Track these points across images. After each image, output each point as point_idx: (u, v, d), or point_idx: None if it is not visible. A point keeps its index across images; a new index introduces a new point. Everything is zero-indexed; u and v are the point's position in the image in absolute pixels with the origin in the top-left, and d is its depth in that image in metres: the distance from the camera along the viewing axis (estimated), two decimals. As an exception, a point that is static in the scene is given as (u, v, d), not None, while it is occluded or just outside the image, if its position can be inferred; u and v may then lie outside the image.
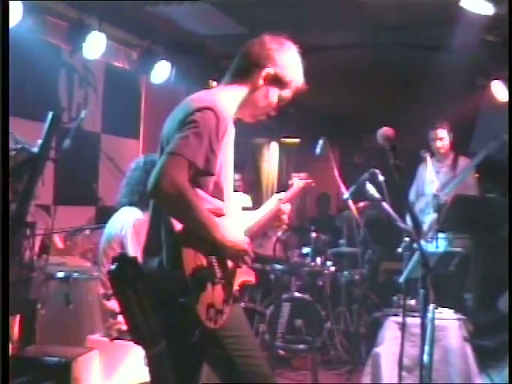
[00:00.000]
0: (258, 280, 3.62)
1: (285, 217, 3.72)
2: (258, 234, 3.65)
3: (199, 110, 3.05)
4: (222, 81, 3.42)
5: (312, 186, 4.05)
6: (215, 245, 3.10)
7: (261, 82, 3.33)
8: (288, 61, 3.38)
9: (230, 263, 3.23)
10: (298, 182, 3.99)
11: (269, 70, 3.32)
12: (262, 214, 3.71)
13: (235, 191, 3.49)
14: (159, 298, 2.75)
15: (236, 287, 3.32)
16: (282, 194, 3.80)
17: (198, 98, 3.20)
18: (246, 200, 3.79)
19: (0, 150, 2.85)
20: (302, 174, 4.07)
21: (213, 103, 3.09)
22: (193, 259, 3.00)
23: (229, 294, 3.21)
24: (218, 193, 3.19)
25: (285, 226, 3.86)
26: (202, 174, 3.05)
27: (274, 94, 3.39)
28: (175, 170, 2.91)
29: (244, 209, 3.73)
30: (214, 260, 3.11)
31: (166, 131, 3.21)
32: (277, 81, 3.36)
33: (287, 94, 3.45)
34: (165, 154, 2.97)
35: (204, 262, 3.05)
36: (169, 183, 2.88)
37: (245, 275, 3.40)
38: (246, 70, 3.36)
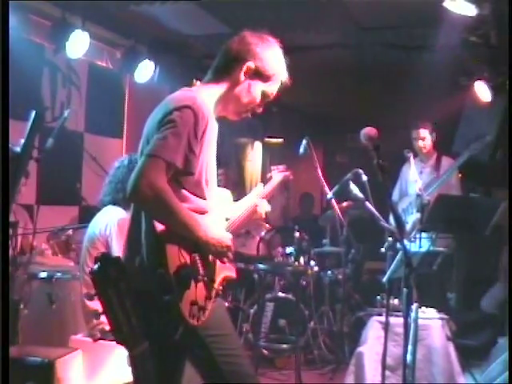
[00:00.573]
0: (240, 278, 3.62)
1: (261, 211, 3.73)
2: (239, 230, 3.64)
3: (177, 109, 3.05)
4: (204, 79, 3.41)
5: (290, 179, 4.05)
6: (198, 242, 3.09)
7: (242, 76, 3.32)
8: (269, 54, 3.37)
9: (212, 259, 3.23)
10: (276, 175, 3.99)
11: (249, 64, 3.31)
12: (243, 208, 3.71)
13: (218, 186, 3.50)
14: (140, 296, 2.75)
15: (218, 283, 3.31)
16: (260, 188, 3.81)
17: (177, 97, 3.20)
18: (227, 196, 3.79)
19: (0, 150, 2.84)
20: (281, 167, 4.07)
21: (191, 101, 3.08)
22: (176, 257, 3.00)
23: (211, 291, 3.21)
24: (200, 191, 3.19)
25: (264, 223, 3.86)
26: (182, 173, 3.06)
27: (257, 89, 3.37)
28: (153, 172, 2.92)
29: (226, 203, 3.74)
30: (197, 257, 3.11)
31: (147, 131, 3.20)
32: (259, 75, 3.34)
33: (271, 88, 3.42)
34: (143, 156, 2.97)
35: (187, 259, 3.05)
36: (147, 186, 2.89)
37: (226, 271, 3.40)
38: (227, 66, 3.35)
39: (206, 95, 3.24)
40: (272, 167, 4.09)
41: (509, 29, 6.30)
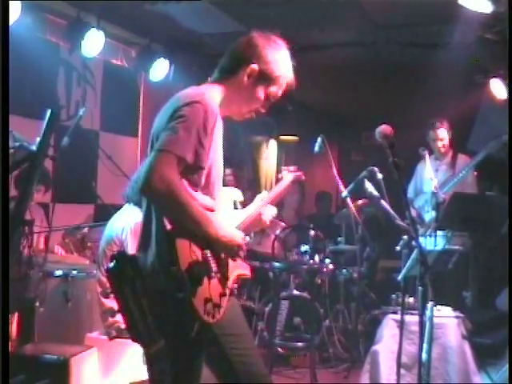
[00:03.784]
0: (255, 276, 3.62)
1: (265, 219, 3.72)
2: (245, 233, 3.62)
3: (187, 104, 3.05)
4: (211, 78, 3.41)
5: (302, 179, 4.04)
6: (209, 239, 3.10)
7: (246, 78, 3.31)
8: (275, 57, 3.35)
9: (224, 256, 3.23)
10: (287, 175, 3.98)
11: (254, 66, 3.30)
12: (246, 214, 3.70)
13: (225, 185, 3.49)
14: (153, 294, 2.75)
15: (232, 281, 3.31)
16: (265, 194, 3.80)
17: (186, 93, 3.20)
18: (237, 194, 3.78)
19: (0, 151, 2.85)
20: (292, 167, 4.06)
21: (200, 96, 3.09)
22: (188, 254, 3.00)
23: (225, 288, 3.21)
24: (207, 188, 3.18)
25: (279, 222, 3.85)
26: (191, 168, 3.06)
27: (261, 91, 3.36)
28: (165, 166, 2.92)
29: (235, 203, 3.73)
30: (209, 254, 3.12)
31: (156, 127, 3.20)
32: (263, 77, 3.33)
33: (275, 91, 3.41)
34: (154, 151, 2.98)
35: (199, 256, 3.05)
36: (159, 180, 2.89)
37: (240, 269, 3.40)
38: (232, 67, 3.35)
39: (213, 93, 3.25)
40: (283, 168, 4.07)
41: (509, 29, 6.27)
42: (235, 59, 3.36)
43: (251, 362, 3.32)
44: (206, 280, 3.05)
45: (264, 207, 3.74)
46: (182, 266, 2.95)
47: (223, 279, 3.21)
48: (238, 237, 3.24)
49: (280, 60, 3.38)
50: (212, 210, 3.19)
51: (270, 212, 3.78)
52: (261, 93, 3.37)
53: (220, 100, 3.30)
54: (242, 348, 3.29)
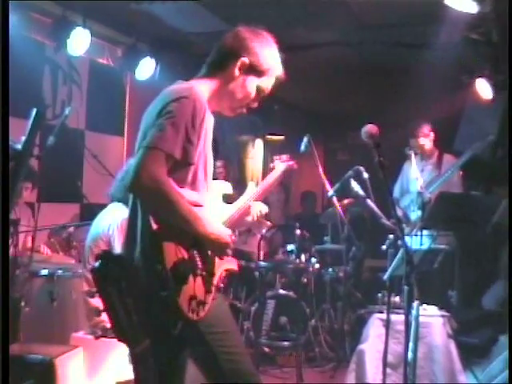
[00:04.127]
0: (241, 276, 3.61)
1: (253, 213, 3.72)
2: (233, 228, 3.61)
3: (175, 99, 3.05)
4: (198, 74, 3.40)
5: (294, 169, 4.03)
6: (196, 237, 3.09)
7: (237, 72, 3.31)
8: (264, 49, 3.35)
9: (210, 253, 3.22)
10: (279, 165, 3.97)
11: (244, 60, 3.30)
12: (236, 208, 3.70)
13: (216, 179, 3.49)
14: (138, 293, 2.75)
15: (218, 277, 3.30)
16: (254, 187, 3.80)
17: (174, 88, 3.19)
18: (227, 187, 3.78)
19: (0, 150, 2.84)
20: (284, 156, 4.05)
21: (189, 91, 3.08)
22: (173, 253, 2.99)
23: (210, 285, 3.20)
24: (194, 184, 3.17)
25: (265, 221, 3.84)
26: (180, 164, 3.05)
27: (252, 84, 3.35)
28: (153, 164, 2.91)
29: (224, 197, 3.72)
30: (196, 252, 3.11)
31: (144, 124, 3.19)
32: (253, 70, 3.33)
33: (266, 83, 3.40)
34: (142, 148, 2.97)
35: (185, 254, 3.04)
36: (147, 178, 2.89)
37: (226, 264, 3.39)
38: (222, 61, 3.34)
39: (202, 89, 3.24)
40: (275, 157, 4.07)
41: (509, 29, 6.29)
42: (224, 54, 3.35)
43: (239, 359, 3.31)
44: (191, 278, 3.04)
45: (254, 201, 3.73)
46: (168, 264, 2.94)
47: (208, 276, 3.19)
48: (226, 234, 3.23)
49: (268, 52, 3.38)
50: (200, 206, 3.18)
51: (260, 208, 3.78)
52: (252, 86, 3.36)
53: (209, 95, 3.29)
54: (230, 346, 3.28)
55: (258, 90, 3.39)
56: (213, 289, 3.21)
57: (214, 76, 3.34)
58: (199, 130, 3.08)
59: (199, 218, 3.08)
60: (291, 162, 4.01)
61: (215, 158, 3.40)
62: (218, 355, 3.22)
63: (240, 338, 3.42)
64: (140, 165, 2.91)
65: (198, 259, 3.11)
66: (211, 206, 3.35)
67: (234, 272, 3.50)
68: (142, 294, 2.84)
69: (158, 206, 3.01)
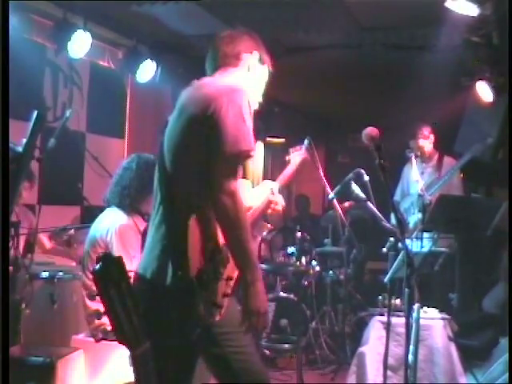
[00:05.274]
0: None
1: (278, 207, 3.71)
2: (253, 225, 3.59)
3: (230, 92, 3.02)
4: (215, 72, 3.39)
5: (309, 161, 4.05)
6: (218, 245, 3.08)
7: (251, 63, 3.38)
8: (259, 45, 3.46)
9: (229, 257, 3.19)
10: (295, 157, 3.97)
11: (252, 51, 3.38)
12: (257, 203, 3.69)
13: None
14: (159, 298, 2.76)
15: (234, 281, 3.30)
16: (273, 184, 3.79)
17: (216, 83, 3.17)
18: (247, 185, 3.76)
19: (0, 150, 2.84)
20: (299, 147, 4.06)
21: (235, 83, 3.11)
22: (197, 259, 2.99)
23: (228, 288, 3.20)
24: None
25: (265, 224, 3.83)
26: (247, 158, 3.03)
27: (261, 78, 3.46)
28: (230, 176, 2.92)
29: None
30: (218, 257, 3.10)
31: (182, 131, 3.10)
32: (258, 65, 3.42)
33: (266, 75, 3.51)
34: (220, 158, 2.92)
35: (209, 261, 3.03)
36: (226, 194, 2.89)
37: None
38: (230, 60, 3.37)
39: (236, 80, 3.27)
40: (291, 149, 4.07)
41: (509, 31, 6.29)
42: (229, 55, 3.37)
43: (249, 359, 3.35)
44: (213, 284, 3.05)
45: (275, 195, 3.72)
46: (192, 271, 2.95)
47: (228, 280, 3.19)
48: (265, 303, 3.12)
49: (262, 46, 3.47)
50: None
51: (280, 200, 3.75)
52: (260, 79, 3.45)
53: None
54: (240, 346, 3.31)
55: (264, 85, 3.49)
56: (229, 292, 3.22)
57: (232, 75, 3.33)
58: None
59: (257, 262, 3.07)
60: (306, 154, 4.02)
61: None
62: (229, 355, 3.26)
63: (249, 337, 3.43)
64: (220, 179, 2.90)
65: (220, 264, 3.11)
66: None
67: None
68: (160, 298, 2.86)
69: (232, 227, 2.98)
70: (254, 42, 3.42)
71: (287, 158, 3.99)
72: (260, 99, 3.48)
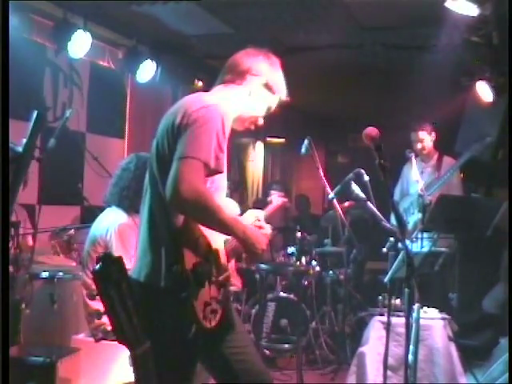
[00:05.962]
0: (242, 279, 3.61)
1: (265, 231, 3.70)
2: (235, 249, 3.57)
3: (202, 107, 3.03)
4: (214, 87, 3.40)
5: (288, 206, 4.10)
6: (236, 239, 3.14)
7: (246, 90, 3.34)
8: (273, 70, 3.40)
9: (224, 263, 3.22)
10: (276, 199, 4.02)
11: (254, 78, 3.34)
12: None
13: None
14: (153, 295, 2.77)
15: (227, 288, 3.31)
16: (259, 213, 3.77)
17: (195, 98, 3.18)
18: (234, 206, 3.79)
19: (0, 150, 2.85)
20: (278, 192, 4.12)
21: (214, 101, 3.09)
22: (192, 255, 3.01)
23: (222, 294, 3.21)
24: (218, 191, 3.18)
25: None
26: (212, 173, 3.04)
27: (262, 103, 3.41)
28: (192, 174, 2.89)
29: None
30: (212, 258, 3.13)
31: (161, 134, 3.16)
32: (263, 89, 3.37)
33: (273, 103, 3.45)
34: (177, 160, 2.92)
35: (202, 259, 3.06)
36: (188, 190, 2.86)
37: (233, 278, 3.40)
38: (233, 79, 3.36)
39: (222, 98, 3.24)
40: (271, 191, 4.12)
41: (509, 30, 6.30)
42: (235, 72, 3.37)
43: (249, 359, 3.37)
44: (207, 284, 3.06)
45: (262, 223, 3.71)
46: (187, 265, 2.96)
47: (222, 285, 3.21)
48: (263, 240, 3.27)
49: (277, 74, 3.42)
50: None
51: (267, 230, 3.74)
52: (262, 104, 3.41)
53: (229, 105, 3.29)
54: (240, 346, 3.34)
55: (267, 108, 3.44)
56: (224, 298, 3.23)
57: (225, 93, 3.34)
58: (226, 140, 3.08)
59: (238, 222, 3.13)
60: (286, 199, 4.09)
61: None
62: (229, 356, 3.28)
63: (249, 338, 3.44)
64: (179, 177, 2.88)
65: (213, 265, 3.12)
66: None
67: (236, 288, 3.53)
68: (155, 295, 2.86)
69: (200, 216, 3.01)
70: (267, 66, 3.39)
71: (268, 198, 4.05)
72: (248, 124, 3.48)
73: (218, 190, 3.21)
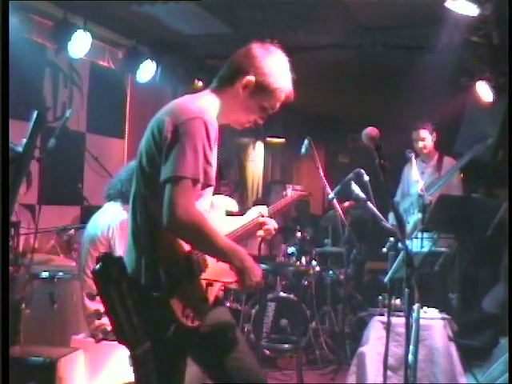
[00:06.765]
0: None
1: (270, 227, 3.68)
2: (238, 241, 3.57)
3: (186, 121, 2.98)
4: (210, 86, 3.36)
5: (306, 197, 4.05)
6: (233, 268, 3.12)
7: (241, 90, 3.26)
8: (273, 69, 3.29)
9: (210, 262, 3.20)
10: (292, 192, 3.98)
11: (249, 78, 3.24)
12: (242, 223, 3.67)
13: (219, 194, 3.47)
14: (137, 295, 2.76)
15: (218, 288, 3.30)
16: (263, 208, 3.76)
17: (180, 108, 3.12)
18: (232, 204, 3.77)
19: (0, 150, 2.84)
20: (299, 187, 4.06)
21: (199, 111, 3.03)
22: (170, 255, 3.01)
23: (208, 294, 3.18)
24: (200, 196, 3.14)
25: (269, 237, 3.80)
26: (202, 187, 3.04)
27: (257, 103, 3.31)
28: (184, 196, 2.89)
29: (228, 213, 3.71)
30: (195, 257, 3.10)
31: (145, 143, 3.14)
32: (259, 89, 3.27)
33: (271, 103, 3.36)
34: (169, 183, 2.91)
35: (182, 258, 3.05)
36: (183, 214, 2.87)
37: (227, 277, 3.35)
38: (230, 77, 3.30)
39: (210, 104, 3.21)
40: (288, 185, 4.07)
41: (509, 30, 6.30)
42: (232, 70, 3.31)
43: (242, 357, 3.35)
44: (187, 283, 3.05)
45: (267, 219, 3.69)
46: (161, 265, 2.95)
47: (206, 285, 3.18)
48: (259, 273, 3.22)
49: (279, 72, 3.32)
50: None
51: (272, 224, 3.72)
52: (257, 105, 3.32)
53: (218, 110, 3.26)
54: (231, 345, 3.32)
55: (264, 108, 3.35)
56: (210, 298, 3.21)
57: (221, 91, 3.30)
58: (213, 150, 3.07)
59: (237, 251, 3.10)
60: (304, 192, 4.03)
61: (219, 181, 3.39)
62: (222, 355, 3.25)
63: (242, 336, 3.43)
64: (173, 202, 2.87)
65: (195, 266, 3.10)
66: (216, 218, 3.35)
67: (232, 287, 3.50)
68: (139, 294, 2.86)
69: (199, 242, 3.02)
70: (265, 62, 3.28)
71: (283, 193, 4.00)
72: (246, 123, 3.44)
73: (203, 196, 3.16)
